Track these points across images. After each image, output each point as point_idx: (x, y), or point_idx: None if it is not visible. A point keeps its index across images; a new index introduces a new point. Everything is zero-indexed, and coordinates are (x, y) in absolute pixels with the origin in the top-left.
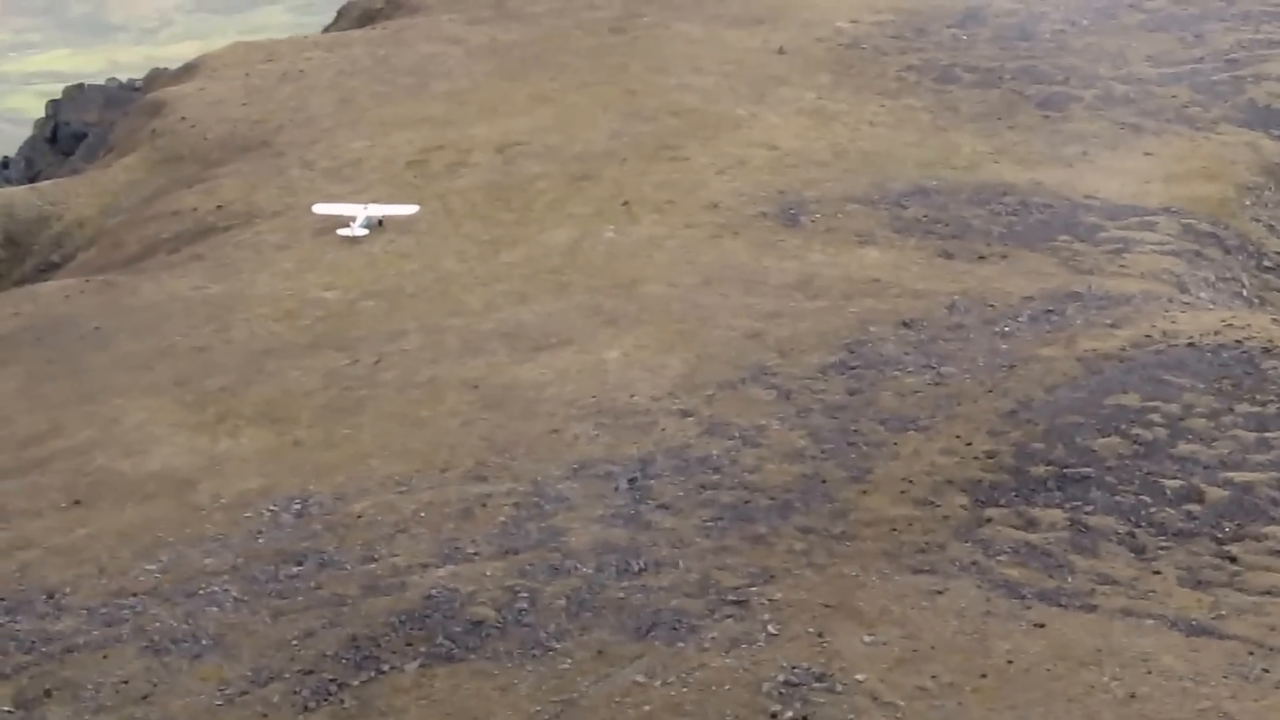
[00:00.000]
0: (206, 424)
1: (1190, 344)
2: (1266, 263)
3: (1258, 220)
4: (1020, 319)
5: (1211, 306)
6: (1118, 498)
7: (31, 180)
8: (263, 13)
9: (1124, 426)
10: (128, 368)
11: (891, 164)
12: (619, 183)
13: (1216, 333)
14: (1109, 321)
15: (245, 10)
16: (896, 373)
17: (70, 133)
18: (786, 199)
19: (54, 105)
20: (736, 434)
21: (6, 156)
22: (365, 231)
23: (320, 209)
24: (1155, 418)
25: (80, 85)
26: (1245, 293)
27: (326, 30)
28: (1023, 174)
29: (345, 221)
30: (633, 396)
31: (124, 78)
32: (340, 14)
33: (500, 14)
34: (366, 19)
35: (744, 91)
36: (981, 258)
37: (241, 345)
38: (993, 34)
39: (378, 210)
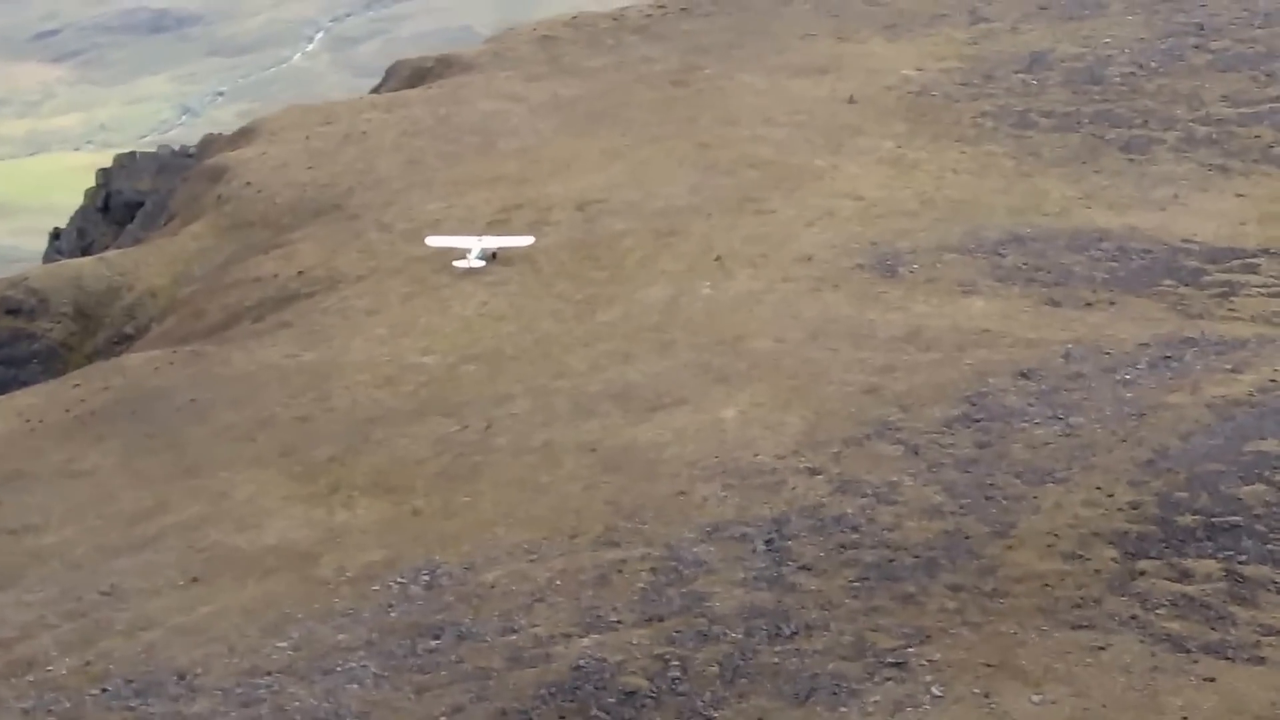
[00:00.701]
0: (319, 495)
1: None
2: None
3: None
4: (1139, 366)
5: None
6: (1270, 546)
7: (85, 251)
8: (146, 83)
9: (1267, 473)
10: (229, 439)
11: (982, 212)
12: (707, 238)
13: None
14: (1229, 366)
15: (128, 81)
16: (1024, 424)
17: (123, 201)
18: (881, 250)
19: (105, 174)
20: (869, 491)
21: (58, 228)
22: (482, 263)
23: (433, 242)
24: None
25: (132, 153)
26: None
27: (375, 91)
28: (1115, 219)
29: (460, 254)
30: (756, 455)
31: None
32: (389, 74)
33: (557, 69)
34: (418, 78)
35: (819, 142)
36: (1089, 305)
37: (344, 414)
38: (1063, 78)
39: (492, 242)
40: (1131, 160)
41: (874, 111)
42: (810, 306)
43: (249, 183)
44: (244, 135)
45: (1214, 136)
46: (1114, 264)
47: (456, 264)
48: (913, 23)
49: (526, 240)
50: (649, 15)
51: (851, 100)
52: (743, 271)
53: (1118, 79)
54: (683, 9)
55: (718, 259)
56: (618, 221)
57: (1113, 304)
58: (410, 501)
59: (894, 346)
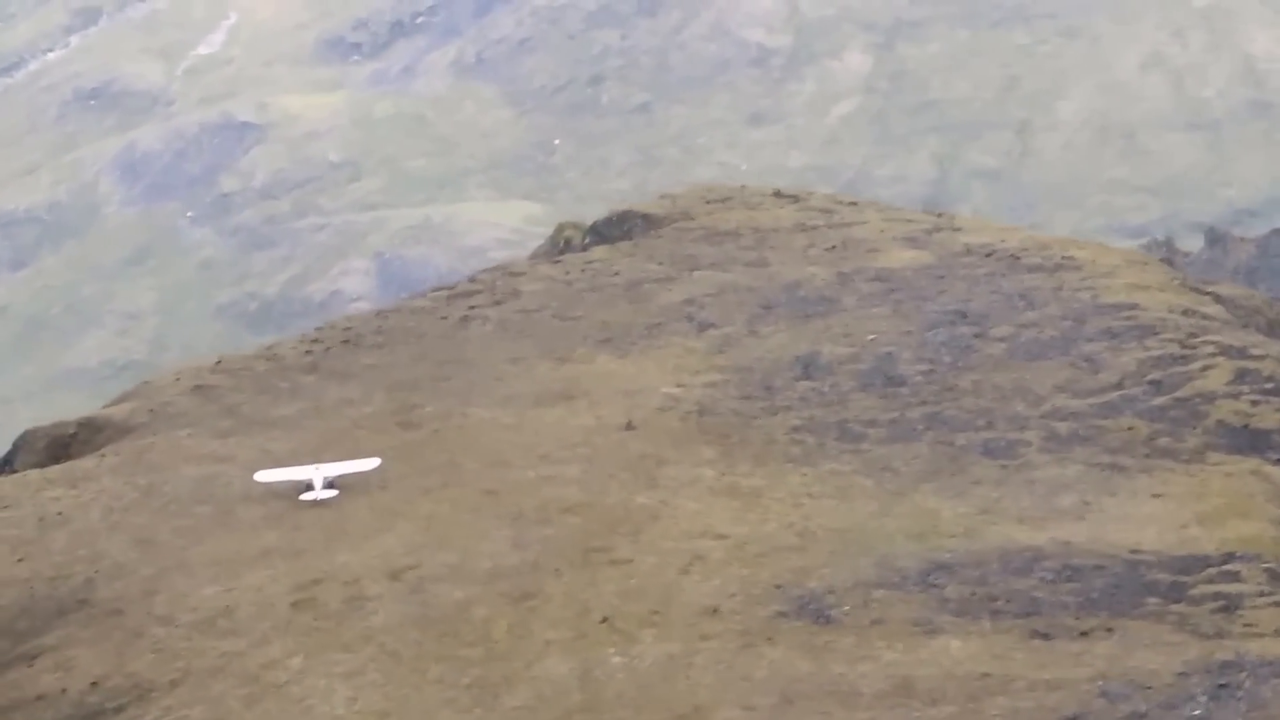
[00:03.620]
0: None
1: None
2: None
3: None
4: (1200, 698)
5: None
6: None
7: None
8: None
9: None
10: None
11: (876, 540)
12: (574, 597)
13: None
14: None
15: None
16: None
17: None
18: (792, 593)
19: None
20: None
21: None
22: (334, 492)
23: (263, 477)
24: None
25: None
26: None
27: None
28: (1035, 534)
29: (301, 488)
30: None
31: None
32: (20, 446)
33: (244, 422)
34: (60, 447)
35: (626, 477)
36: (1084, 634)
37: None
38: (857, 383)
39: (333, 470)
40: (1004, 467)
41: (664, 438)
42: (756, 666)
43: None
44: None
45: (1081, 433)
46: (1074, 585)
47: (304, 497)
48: (629, 335)
49: (372, 463)
50: (309, 352)
51: (630, 427)
52: (644, 633)
53: (919, 378)
54: (344, 342)
55: (604, 621)
56: (452, 589)
57: (1110, 630)
58: None
59: (893, 703)
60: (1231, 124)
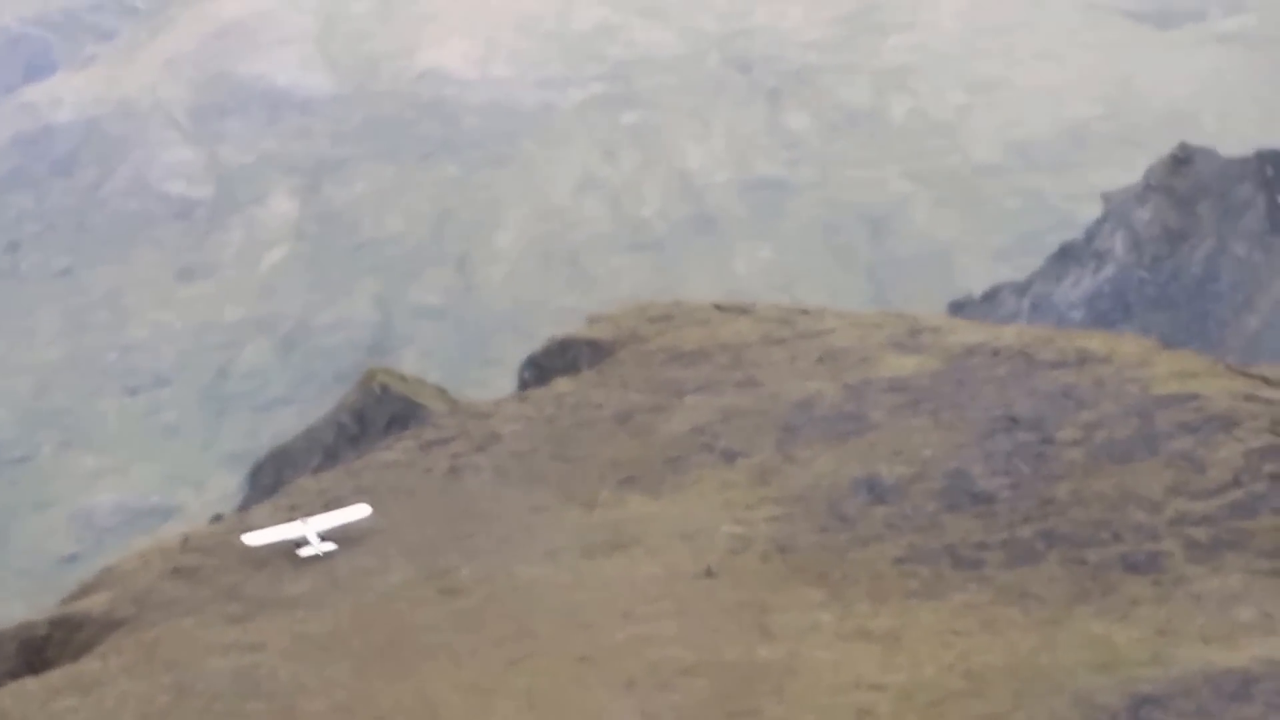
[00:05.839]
0: None
1: None
2: None
3: None
4: None
5: None
6: None
7: None
8: None
9: None
10: None
11: (1056, 676)
12: None
13: None
14: None
15: None
16: None
17: None
18: None
19: None
20: None
21: None
22: (333, 546)
23: (251, 539)
24: None
25: None
26: None
27: None
28: (1232, 654)
29: (295, 545)
30: None
31: None
32: None
33: (255, 604)
34: (33, 651)
35: (733, 630)
36: None
37: None
38: (941, 504)
39: (323, 522)
40: (1157, 583)
41: (754, 582)
42: None
43: None
44: None
45: (1224, 538)
46: None
47: (302, 553)
48: (651, 472)
49: (363, 510)
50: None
51: (710, 574)
52: None
53: (1007, 493)
54: (326, 505)
55: None
56: None
57: None
58: None
59: None
60: (674, 241)
